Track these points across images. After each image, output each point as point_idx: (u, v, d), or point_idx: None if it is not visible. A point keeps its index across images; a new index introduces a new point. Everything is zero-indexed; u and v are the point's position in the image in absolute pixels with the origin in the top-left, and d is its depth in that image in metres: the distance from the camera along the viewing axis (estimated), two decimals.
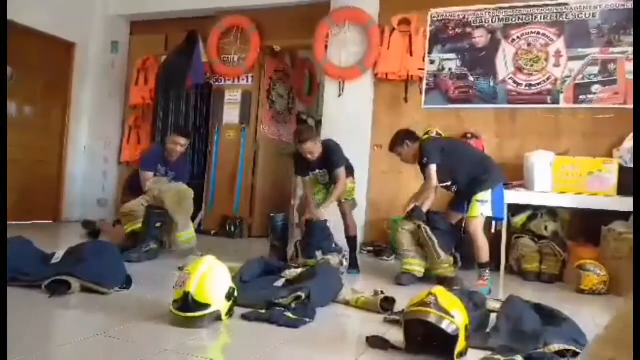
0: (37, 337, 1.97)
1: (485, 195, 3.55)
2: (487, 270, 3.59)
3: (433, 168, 3.63)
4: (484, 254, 3.59)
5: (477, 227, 3.57)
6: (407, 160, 3.89)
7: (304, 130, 4.03)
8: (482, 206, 3.55)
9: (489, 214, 3.59)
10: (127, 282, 2.80)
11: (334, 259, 3.68)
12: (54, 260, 2.79)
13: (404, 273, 3.64)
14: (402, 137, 3.84)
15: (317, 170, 4.00)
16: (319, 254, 3.71)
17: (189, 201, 4.28)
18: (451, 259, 3.71)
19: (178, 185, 4.31)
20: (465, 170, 3.68)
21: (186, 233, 4.19)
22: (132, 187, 4.51)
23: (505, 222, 4.29)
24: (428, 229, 3.62)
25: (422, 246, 3.69)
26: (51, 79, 6.24)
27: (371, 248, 5.09)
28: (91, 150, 6.69)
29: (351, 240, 4.12)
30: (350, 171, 4.08)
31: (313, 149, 3.82)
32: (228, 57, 6.22)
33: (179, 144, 4.37)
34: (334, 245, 3.84)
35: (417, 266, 3.66)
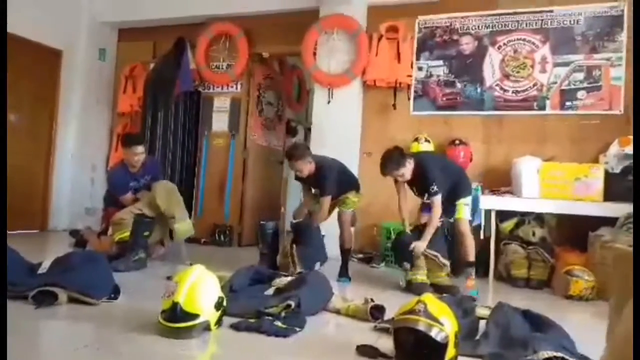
0: (23, 350, 1.94)
1: (469, 200, 3.82)
2: (473, 270, 3.74)
3: (438, 198, 3.59)
4: (472, 253, 3.77)
5: (466, 227, 3.77)
6: (406, 178, 3.70)
7: (294, 148, 4.03)
8: (467, 209, 3.79)
9: (469, 217, 3.87)
10: (115, 292, 2.77)
11: None
12: (40, 270, 2.76)
13: (422, 284, 3.56)
14: (397, 157, 3.62)
15: (312, 189, 4.06)
16: (317, 265, 3.80)
17: (177, 193, 4.31)
18: (448, 267, 3.71)
19: (159, 183, 4.32)
20: (447, 183, 3.70)
21: (185, 223, 4.26)
22: (111, 201, 4.51)
23: (493, 228, 4.39)
24: (429, 251, 3.64)
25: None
26: (38, 86, 6.18)
27: (361, 255, 5.08)
28: (79, 158, 6.61)
29: (344, 252, 4.12)
30: (354, 186, 4.10)
31: (302, 168, 3.85)
32: (216, 65, 6.23)
33: (137, 154, 4.30)
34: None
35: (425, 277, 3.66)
